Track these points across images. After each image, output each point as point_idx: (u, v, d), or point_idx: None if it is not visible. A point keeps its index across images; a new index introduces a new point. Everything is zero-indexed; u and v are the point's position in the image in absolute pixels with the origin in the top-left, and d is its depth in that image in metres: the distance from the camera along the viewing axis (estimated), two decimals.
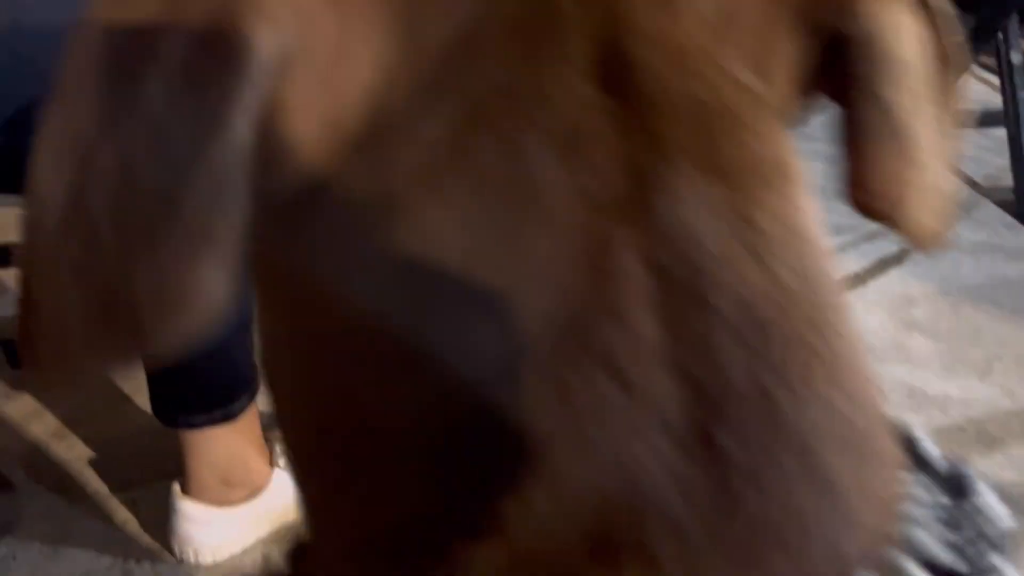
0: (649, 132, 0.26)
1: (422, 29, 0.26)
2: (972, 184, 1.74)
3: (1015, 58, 1.63)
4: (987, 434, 1.28)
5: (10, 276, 1.43)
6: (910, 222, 0.30)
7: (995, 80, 1.78)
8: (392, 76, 0.26)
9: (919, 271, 1.53)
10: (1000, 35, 1.64)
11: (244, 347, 1.02)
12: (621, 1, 0.27)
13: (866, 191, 0.30)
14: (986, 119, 1.84)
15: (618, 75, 0.26)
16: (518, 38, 0.26)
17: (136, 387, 1.25)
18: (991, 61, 1.80)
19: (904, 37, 0.30)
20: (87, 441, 1.21)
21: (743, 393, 0.25)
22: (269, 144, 0.25)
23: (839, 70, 0.30)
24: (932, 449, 0.30)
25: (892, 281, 1.52)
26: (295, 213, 0.26)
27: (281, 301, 0.28)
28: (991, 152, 1.79)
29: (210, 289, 0.25)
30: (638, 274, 0.26)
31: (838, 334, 0.27)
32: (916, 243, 0.30)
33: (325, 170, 0.25)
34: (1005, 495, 0.31)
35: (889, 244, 1.57)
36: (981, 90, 2.08)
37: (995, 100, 1.73)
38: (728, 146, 0.27)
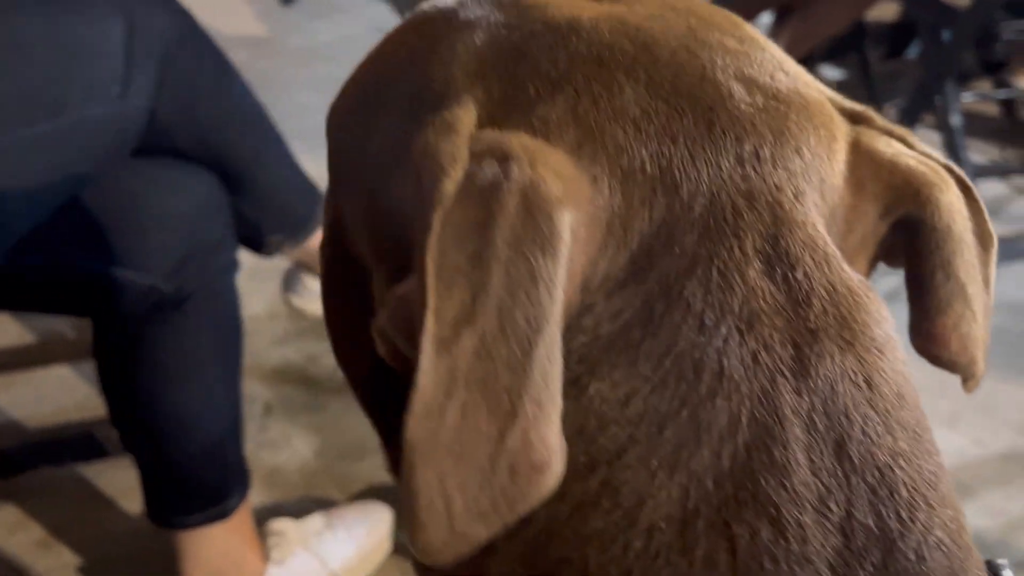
0: (801, 314, 0.32)
1: (630, 222, 0.32)
2: None
3: (955, 120, 1.71)
4: (959, 483, 1.32)
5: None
6: (977, 371, 0.37)
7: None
8: (605, 257, 0.32)
9: None
10: (939, 98, 1.72)
11: (236, 442, 1.02)
12: (783, 203, 0.33)
13: (947, 349, 0.36)
14: None
15: (779, 266, 0.32)
16: (704, 232, 0.32)
17: (121, 491, 1.24)
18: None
19: (961, 219, 0.37)
20: (75, 549, 1.19)
21: (880, 542, 0.30)
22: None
23: (907, 245, 0.37)
24: None
25: None
26: None
27: None
28: None
29: (559, 445, 0.29)
30: (798, 436, 0.31)
31: (942, 487, 0.32)
32: (972, 386, 0.38)
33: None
34: (980, 541, 0.35)
35: None
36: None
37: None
38: (853, 323, 0.33)
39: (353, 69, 0.42)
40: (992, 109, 2.31)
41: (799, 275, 0.32)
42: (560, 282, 0.29)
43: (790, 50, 1.85)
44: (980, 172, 1.95)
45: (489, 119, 0.33)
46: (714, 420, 0.30)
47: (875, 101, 2.17)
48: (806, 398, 0.31)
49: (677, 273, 0.32)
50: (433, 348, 0.28)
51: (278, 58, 3.05)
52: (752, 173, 0.33)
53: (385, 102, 0.38)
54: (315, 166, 1.29)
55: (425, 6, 0.40)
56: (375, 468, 1.30)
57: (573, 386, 0.31)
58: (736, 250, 0.32)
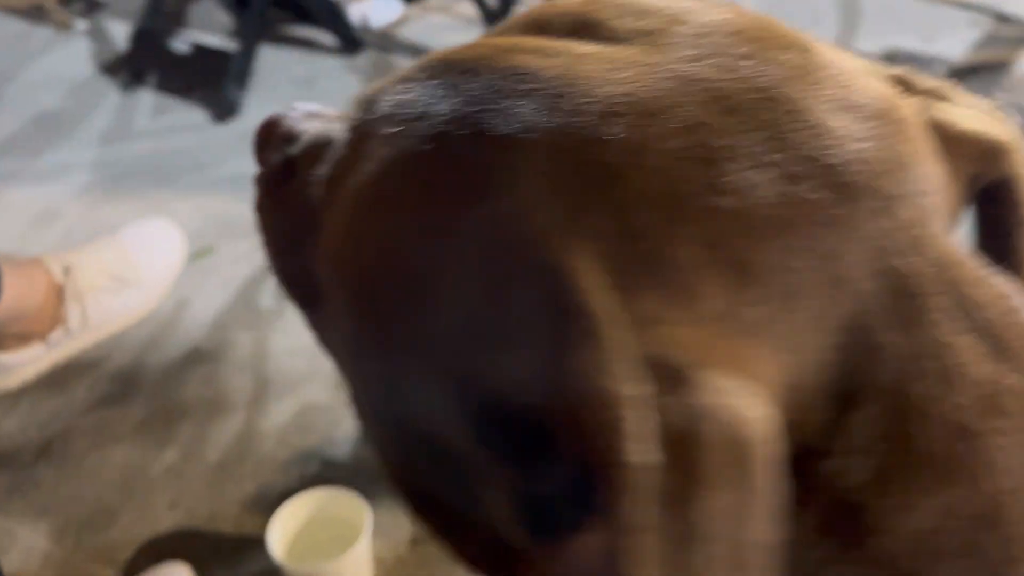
0: (1009, 360, 0.29)
1: (809, 343, 0.28)
2: None
3: None
4: None
5: None
6: None
7: None
8: (807, 397, 0.28)
9: None
10: None
11: None
12: (929, 243, 0.30)
13: None
14: None
15: (971, 317, 0.29)
16: (897, 319, 0.29)
17: None
18: None
19: None
20: None
21: None
22: None
23: (981, 201, 0.37)
24: None
25: None
26: None
27: None
28: None
29: None
30: None
31: None
32: None
33: None
34: None
35: None
36: None
37: None
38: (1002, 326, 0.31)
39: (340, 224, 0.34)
40: None
41: (988, 324, 0.30)
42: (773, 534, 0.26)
43: None
44: None
45: (617, 284, 0.27)
46: None
47: None
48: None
49: (898, 378, 0.28)
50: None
51: None
52: (892, 225, 0.30)
53: (443, 271, 0.30)
54: None
55: (411, 109, 0.32)
56: (133, 523, 1.19)
57: None
58: (933, 327, 0.29)
